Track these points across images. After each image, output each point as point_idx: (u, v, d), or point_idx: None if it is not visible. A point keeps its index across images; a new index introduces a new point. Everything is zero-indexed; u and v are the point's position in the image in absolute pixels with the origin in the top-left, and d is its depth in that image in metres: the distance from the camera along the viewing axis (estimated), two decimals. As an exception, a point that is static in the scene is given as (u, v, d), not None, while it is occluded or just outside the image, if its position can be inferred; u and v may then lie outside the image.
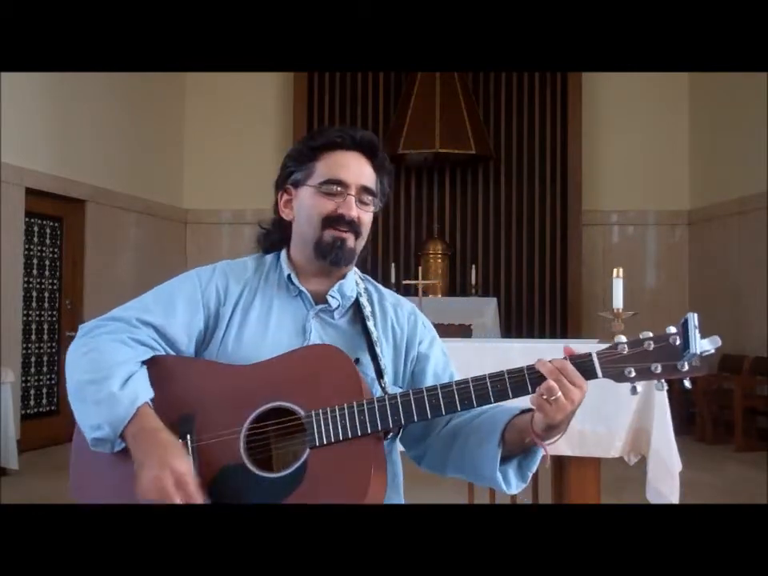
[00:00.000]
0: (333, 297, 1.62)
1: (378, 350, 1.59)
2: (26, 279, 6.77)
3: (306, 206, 1.62)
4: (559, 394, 1.35)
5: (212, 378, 1.51)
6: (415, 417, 1.43)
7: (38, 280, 7.00)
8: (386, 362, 1.61)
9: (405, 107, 8.40)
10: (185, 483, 1.38)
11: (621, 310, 3.13)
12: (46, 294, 7.10)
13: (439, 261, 8.50)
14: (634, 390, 1.38)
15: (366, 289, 1.69)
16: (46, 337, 7.09)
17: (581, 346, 1.58)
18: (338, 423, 1.42)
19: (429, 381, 1.64)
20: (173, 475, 1.38)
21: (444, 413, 1.44)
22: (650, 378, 1.37)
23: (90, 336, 1.54)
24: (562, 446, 2.75)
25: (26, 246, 6.78)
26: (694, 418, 7.38)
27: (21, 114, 6.56)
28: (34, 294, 6.94)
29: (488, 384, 1.41)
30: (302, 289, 1.62)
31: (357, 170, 1.62)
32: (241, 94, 8.92)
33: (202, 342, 1.59)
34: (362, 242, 1.64)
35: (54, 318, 7.19)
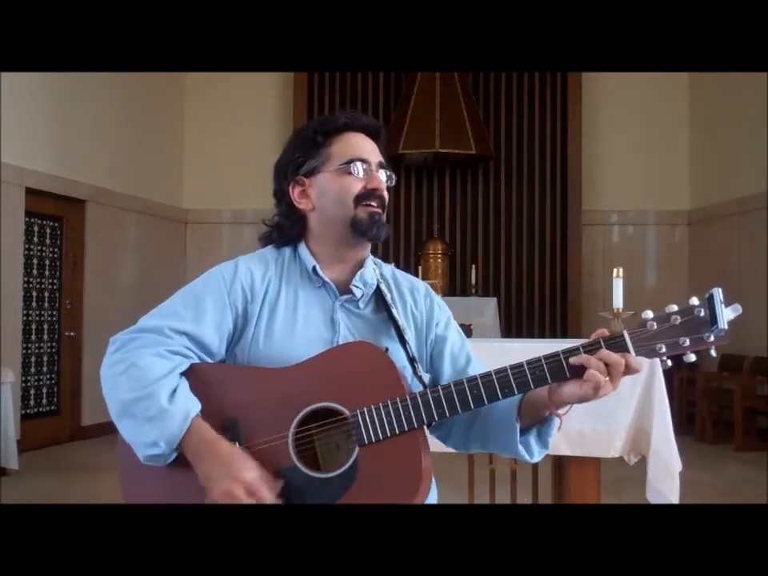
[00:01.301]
0: (356, 286, 1.63)
1: (405, 336, 1.61)
2: (26, 279, 6.77)
3: (332, 190, 1.61)
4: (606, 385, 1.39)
5: (250, 384, 1.52)
6: (459, 408, 1.45)
7: (38, 280, 7.00)
8: (412, 346, 1.63)
9: (405, 107, 8.40)
10: (257, 490, 1.42)
11: (621, 310, 3.14)
12: (46, 294, 7.10)
13: (439, 261, 8.50)
14: (664, 364, 1.41)
15: (381, 275, 1.70)
16: (45, 337, 7.08)
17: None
18: (384, 420, 1.44)
19: (446, 362, 1.66)
20: (243, 485, 1.41)
21: (486, 402, 1.45)
22: (679, 351, 1.38)
23: (125, 350, 1.52)
24: (562, 446, 2.76)
25: (26, 246, 6.78)
26: (693, 418, 7.38)
27: (21, 114, 6.56)
28: (34, 293, 6.94)
29: (527, 371, 1.42)
30: (326, 279, 1.63)
31: (372, 148, 1.64)
32: (241, 94, 8.92)
33: (231, 342, 1.60)
34: None
35: (54, 318, 7.19)
